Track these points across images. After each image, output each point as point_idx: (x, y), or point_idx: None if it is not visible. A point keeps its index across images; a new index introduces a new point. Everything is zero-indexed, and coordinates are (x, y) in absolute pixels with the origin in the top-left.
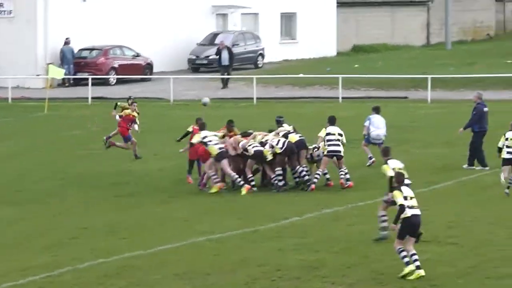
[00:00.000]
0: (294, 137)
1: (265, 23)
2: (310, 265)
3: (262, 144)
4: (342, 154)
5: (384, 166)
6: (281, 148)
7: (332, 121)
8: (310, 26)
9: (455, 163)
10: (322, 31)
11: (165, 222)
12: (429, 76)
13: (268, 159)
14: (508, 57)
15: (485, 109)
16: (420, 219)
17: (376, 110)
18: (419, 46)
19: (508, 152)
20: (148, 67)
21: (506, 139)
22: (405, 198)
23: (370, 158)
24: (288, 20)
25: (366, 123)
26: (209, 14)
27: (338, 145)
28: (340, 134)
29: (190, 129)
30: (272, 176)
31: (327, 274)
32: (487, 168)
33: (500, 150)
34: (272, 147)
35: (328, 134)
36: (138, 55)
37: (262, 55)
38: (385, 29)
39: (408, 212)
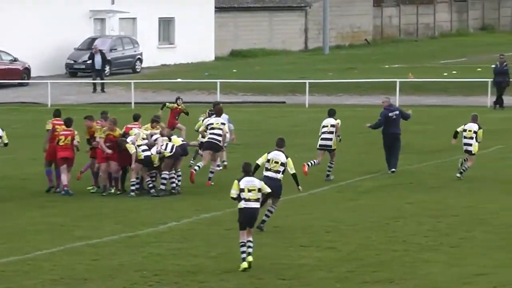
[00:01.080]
0: (177, 141)
1: (143, 28)
2: (188, 270)
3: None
4: (332, 147)
5: (264, 155)
6: (170, 152)
7: (330, 113)
8: (188, 31)
9: (335, 167)
10: (200, 36)
11: (42, 227)
12: (307, 81)
13: (155, 165)
14: (386, 62)
15: (390, 114)
16: (256, 212)
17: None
18: (297, 51)
19: (465, 144)
20: (26, 71)
21: (465, 130)
22: (242, 190)
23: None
24: (166, 25)
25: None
26: (87, 18)
27: (329, 139)
28: (332, 126)
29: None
30: (147, 180)
31: (205, 279)
32: (390, 171)
33: (455, 135)
34: (159, 152)
35: (322, 126)
36: (15, 60)
37: (140, 60)
38: (263, 34)
39: (242, 204)
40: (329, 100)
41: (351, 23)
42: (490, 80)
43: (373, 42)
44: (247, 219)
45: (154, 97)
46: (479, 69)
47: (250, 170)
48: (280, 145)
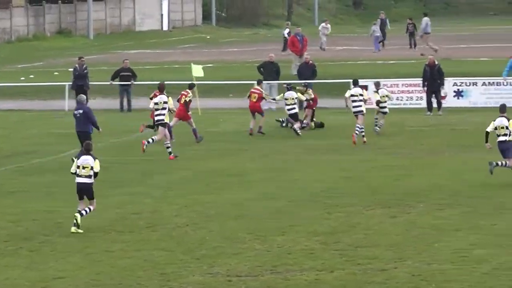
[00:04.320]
0: None
1: None
2: None
3: None
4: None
5: None
6: None
7: (355, 82)
8: None
9: None
10: None
11: None
12: None
13: None
14: None
15: (75, 111)
16: (86, 186)
17: None
18: None
19: (355, 106)
20: None
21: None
22: (78, 167)
23: None
24: None
25: None
26: None
27: (360, 105)
28: (361, 94)
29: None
30: None
31: None
32: None
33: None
34: None
35: (352, 95)
36: None
37: None
38: None
39: (76, 180)
40: None
41: None
42: (68, 83)
43: None
44: (80, 191)
45: None
46: (56, 73)
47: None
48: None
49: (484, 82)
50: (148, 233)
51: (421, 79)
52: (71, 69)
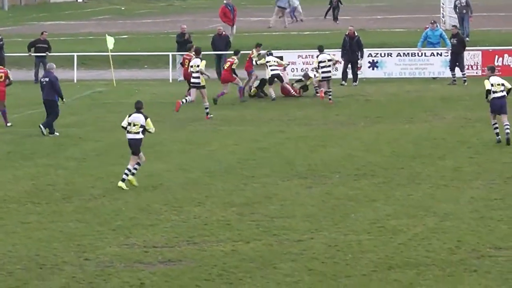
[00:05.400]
0: None
1: None
2: None
3: None
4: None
5: None
6: None
7: (321, 49)
8: None
9: None
10: None
11: None
12: None
13: None
14: None
15: (42, 79)
16: (135, 142)
17: None
18: None
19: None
20: None
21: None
22: (129, 124)
23: None
24: None
25: None
26: None
27: (329, 71)
28: (329, 60)
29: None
30: None
31: None
32: None
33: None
34: None
35: (320, 62)
36: None
37: None
38: None
39: (126, 136)
40: None
41: None
42: None
43: None
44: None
45: None
46: None
47: (139, 107)
48: None
49: (398, 53)
50: (63, 204)
51: (339, 50)
52: None
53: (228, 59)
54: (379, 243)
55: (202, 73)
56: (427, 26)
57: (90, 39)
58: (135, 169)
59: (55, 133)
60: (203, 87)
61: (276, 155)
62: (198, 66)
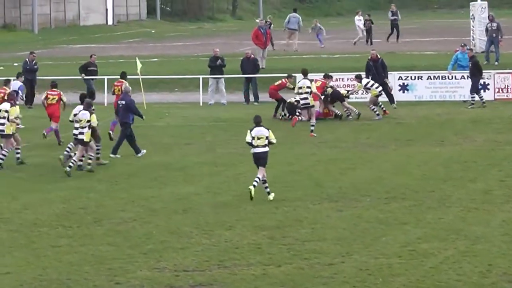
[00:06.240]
0: None
1: None
2: None
3: None
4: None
5: None
6: None
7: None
8: None
9: None
10: None
11: None
12: None
13: None
14: None
15: (119, 102)
16: (263, 155)
17: None
18: None
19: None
20: None
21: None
22: (253, 138)
23: None
24: None
25: None
26: None
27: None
28: (308, 87)
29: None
30: None
31: None
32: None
33: None
34: None
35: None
36: None
37: None
38: None
39: (252, 150)
40: None
41: None
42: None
43: None
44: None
45: None
46: (1, 68)
47: (259, 121)
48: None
49: (429, 76)
50: (94, 227)
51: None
52: (16, 64)
53: (283, 79)
54: (410, 266)
55: (310, 93)
56: (457, 48)
57: (120, 62)
58: (259, 179)
59: (138, 154)
60: (313, 106)
61: (307, 177)
62: (309, 87)
